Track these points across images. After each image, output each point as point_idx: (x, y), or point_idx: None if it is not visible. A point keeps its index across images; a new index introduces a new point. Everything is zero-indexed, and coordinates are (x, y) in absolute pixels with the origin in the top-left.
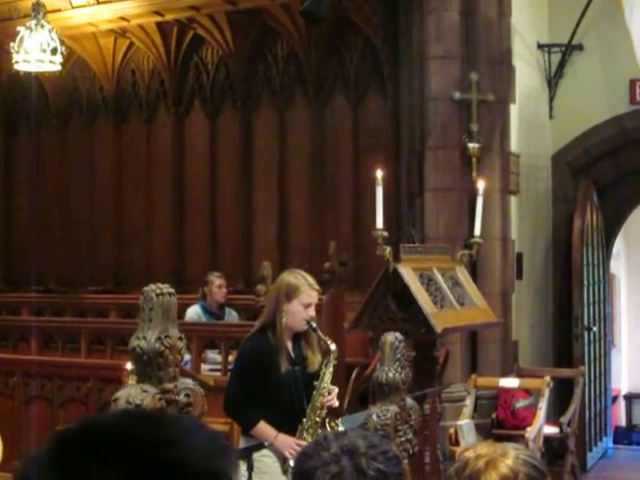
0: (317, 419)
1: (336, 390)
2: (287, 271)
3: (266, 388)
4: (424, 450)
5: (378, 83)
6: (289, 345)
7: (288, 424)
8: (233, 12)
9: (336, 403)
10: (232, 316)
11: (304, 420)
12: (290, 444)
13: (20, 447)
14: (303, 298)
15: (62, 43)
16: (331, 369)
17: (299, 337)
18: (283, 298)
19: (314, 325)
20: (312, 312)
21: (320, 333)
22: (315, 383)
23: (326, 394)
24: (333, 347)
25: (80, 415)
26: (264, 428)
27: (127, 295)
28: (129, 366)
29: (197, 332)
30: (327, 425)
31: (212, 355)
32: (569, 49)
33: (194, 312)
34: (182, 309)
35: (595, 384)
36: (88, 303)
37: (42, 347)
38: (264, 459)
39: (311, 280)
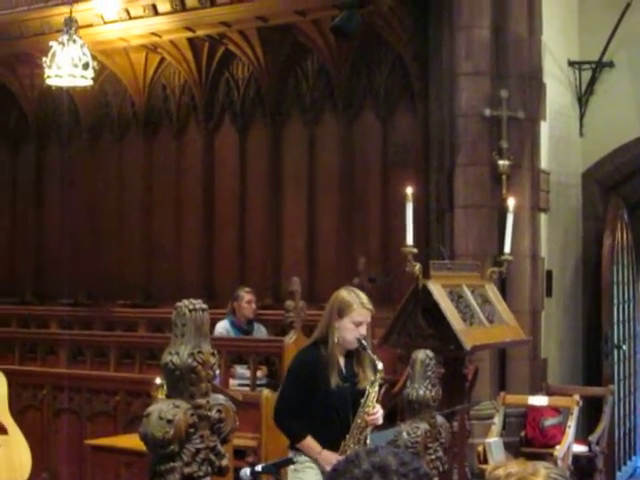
0: (359, 437)
1: (380, 409)
2: (344, 287)
3: (315, 402)
4: (452, 468)
5: (408, 99)
6: (341, 361)
7: (334, 440)
8: (264, 28)
9: (380, 421)
10: (261, 331)
11: (347, 437)
12: (333, 461)
13: (48, 459)
14: (354, 316)
15: (94, 58)
16: (376, 388)
17: (352, 354)
18: (335, 314)
19: (364, 343)
20: (363, 331)
21: (370, 352)
22: (361, 400)
23: (370, 412)
24: (380, 366)
25: (108, 428)
26: (310, 443)
27: (156, 309)
28: (158, 380)
29: (226, 347)
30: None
31: (241, 370)
32: (600, 66)
33: (223, 327)
34: (211, 324)
35: (624, 402)
36: (117, 317)
37: (71, 360)
38: (308, 470)
39: (364, 299)
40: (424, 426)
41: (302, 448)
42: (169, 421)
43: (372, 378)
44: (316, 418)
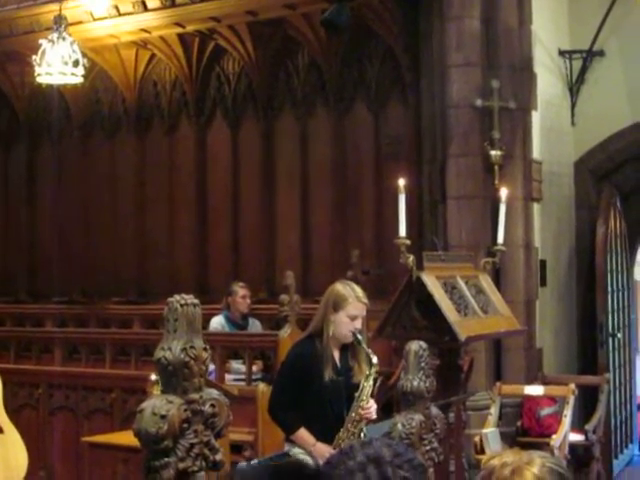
0: (354, 430)
1: (374, 404)
2: (339, 281)
3: (308, 395)
4: (449, 458)
5: (399, 91)
6: (336, 354)
7: (327, 433)
8: (254, 22)
9: (374, 415)
10: (255, 326)
11: (341, 430)
12: (326, 454)
13: (45, 458)
14: (349, 310)
15: (84, 55)
16: (371, 382)
17: (347, 348)
18: (331, 308)
19: (359, 337)
20: (358, 324)
21: (364, 346)
22: (356, 394)
23: (364, 406)
24: (375, 360)
25: (105, 426)
26: (304, 435)
27: (151, 305)
28: (153, 377)
29: (221, 342)
30: (363, 437)
31: (236, 365)
32: (590, 55)
33: (218, 322)
34: (205, 319)
35: (620, 391)
36: (112, 314)
37: (66, 358)
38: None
39: (360, 292)
40: (419, 417)
41: (296, 440)
42: (163, 416)
43: (367, 372)
44: (310, 411)
